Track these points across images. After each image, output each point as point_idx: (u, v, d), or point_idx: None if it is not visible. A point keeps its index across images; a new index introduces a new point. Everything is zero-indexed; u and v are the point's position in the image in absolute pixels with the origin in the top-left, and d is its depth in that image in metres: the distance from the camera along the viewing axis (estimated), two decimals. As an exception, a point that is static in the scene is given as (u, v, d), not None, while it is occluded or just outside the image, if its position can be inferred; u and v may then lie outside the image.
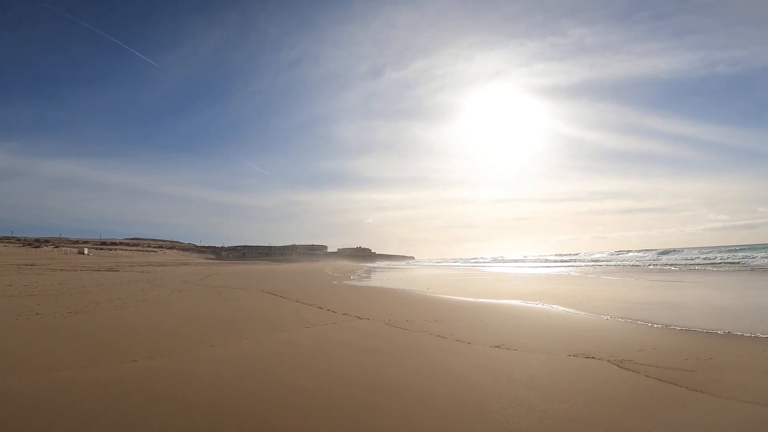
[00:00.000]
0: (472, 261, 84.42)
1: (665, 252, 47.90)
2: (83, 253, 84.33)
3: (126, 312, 7.22)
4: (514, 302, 9.39)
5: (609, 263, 39.90)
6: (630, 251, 60.77)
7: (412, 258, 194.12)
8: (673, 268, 26.46)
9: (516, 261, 68.48)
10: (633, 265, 33.40)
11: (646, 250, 58.24)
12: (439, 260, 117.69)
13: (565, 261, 52.40)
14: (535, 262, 57.41)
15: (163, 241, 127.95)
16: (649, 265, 30.82)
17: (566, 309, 8.12)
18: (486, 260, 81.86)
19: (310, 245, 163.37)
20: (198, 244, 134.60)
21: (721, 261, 29.41)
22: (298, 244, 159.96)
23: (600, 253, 66.62)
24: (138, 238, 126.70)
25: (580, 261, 49.96)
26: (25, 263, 37.03)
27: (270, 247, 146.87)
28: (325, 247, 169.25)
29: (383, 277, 24.25)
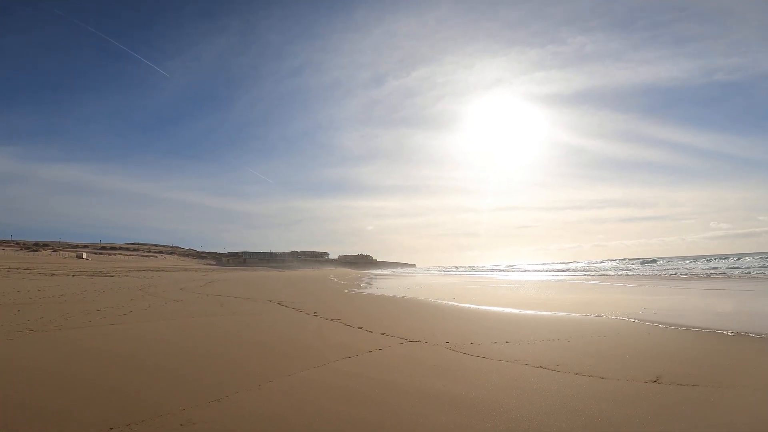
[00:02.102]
0: (478, 269, 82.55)
1: (653, 260, 47.28)
2: (82, 258, 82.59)
3: (97, 331, 5.54)
4: (572, 315, 7.71)
5: (613, 271, 38.09)
6: (620, 259, 60.47)
7: (414, 265, 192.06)
8: (686, 275, 24.74)
9: (509, 268, 67.85)
10: (632, 274, 31.63)
11: (628, 259, 58.00)
12: (441, 268, 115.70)
13: (563, 269, 50.59)
14: (542, 271, 55.50)
15: (163, 246, 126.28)
16: (675, 273, 29.01)
17: (650, 323, 6.45)
18: (491, 268, 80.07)
19: (311, 252, 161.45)
20: (198, 250, 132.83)
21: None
22: (299, 250, 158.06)
23: (586, 261, 66.39)
24: (138, 243, 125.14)
25: (576, 269, 48.31)
26: (19, 267, 35.34)
27: (271, 254, 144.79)
28: (327, 254, 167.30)
29: (395, 285, 22.52)
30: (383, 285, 22.33)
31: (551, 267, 59.88)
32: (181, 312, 7.82)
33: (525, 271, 54.43)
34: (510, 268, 71.93)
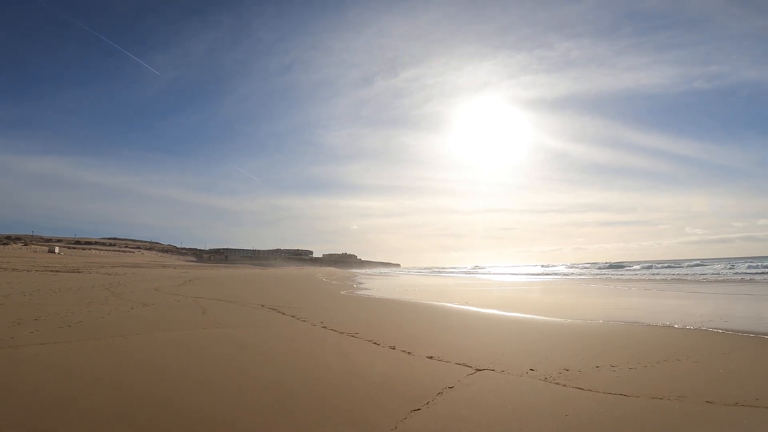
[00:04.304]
0: (464, 270, 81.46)
1: (618, 265, 47.60)
2: (54, 252, 78.56)
3: (5, 356, 3.78)
4: (637, 325, 6.22)
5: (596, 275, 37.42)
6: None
7: (398, 265, 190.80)
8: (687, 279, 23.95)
9: (476, 270, 68.32)
10: (627, 277, 30.90)
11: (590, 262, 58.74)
12: (427, 268, 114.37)
13: (550, 272, 49.99)
14: (532, 274, 54.76)
15: (141, 241, 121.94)
16: (672, 277, 28.30)
17: (749, 333, 5.04)
18: (477, 269, 79.13)
19: (295, 250, 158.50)
20: (178, 246, 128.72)
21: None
22: (283, 248, 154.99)
23: (564, 263, 67.76)
24: (115, 238, 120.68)
25: (562, 272, 47.86)
26: (-21, 261, 32.47)
27: (254, 251, 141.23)
28: (311, 253, 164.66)
29: (390, 286, 20.96)
30: (378, 286, 20.74)
31: (527, 270, 59.24)
32: (150, 323, 6.08)
33: (504, 274, 53.02)
34: (476, 270, 72.32)
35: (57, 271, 23.51)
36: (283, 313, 7.38)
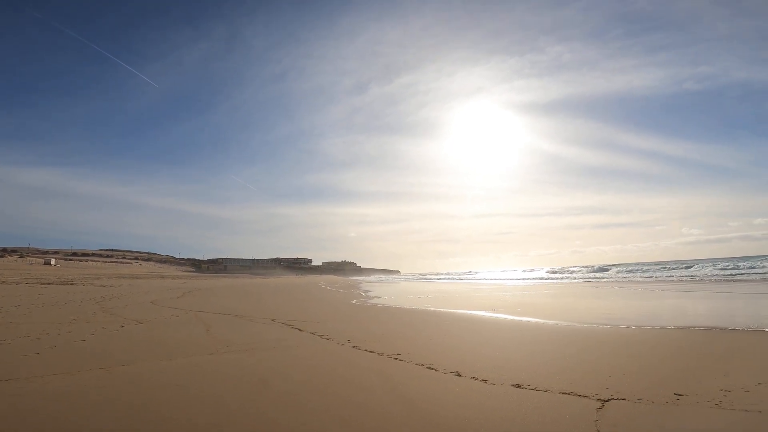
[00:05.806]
0: (467, 275, 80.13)
1: (603, 269, 46.38)
2: (50, 264, 77.14)
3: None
4: (717, 327, 5.21)
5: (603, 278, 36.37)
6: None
7: (398, 272, 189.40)
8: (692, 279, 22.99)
9: (479, 274, 67.55)
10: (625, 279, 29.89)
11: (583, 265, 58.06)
12: (427, 274, 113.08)
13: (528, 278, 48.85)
14: (534, 279, 53.66)
15: (139, 252, 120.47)
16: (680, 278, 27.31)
17: None
18: (480, 274, 77.89)
19: (294, 258, 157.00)
20: (177, 256, 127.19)
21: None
22: (282, 257, 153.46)
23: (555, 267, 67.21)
24: (112, 250, 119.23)
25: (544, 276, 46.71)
26: (-30, 275, 31.21)
27: (253, 260, 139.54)
28: (310, 261, 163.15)
29: (400, 293, 19.92)
30: (387, 293, 19.66)
31: (515, 275, 58.10)
32: (143, 345, 5.00)
33: (508, 279, 51.61)
34: (470, 275, 71.56)
35: (49, 284, 22.30)
36: (300, 329, 6.29)
